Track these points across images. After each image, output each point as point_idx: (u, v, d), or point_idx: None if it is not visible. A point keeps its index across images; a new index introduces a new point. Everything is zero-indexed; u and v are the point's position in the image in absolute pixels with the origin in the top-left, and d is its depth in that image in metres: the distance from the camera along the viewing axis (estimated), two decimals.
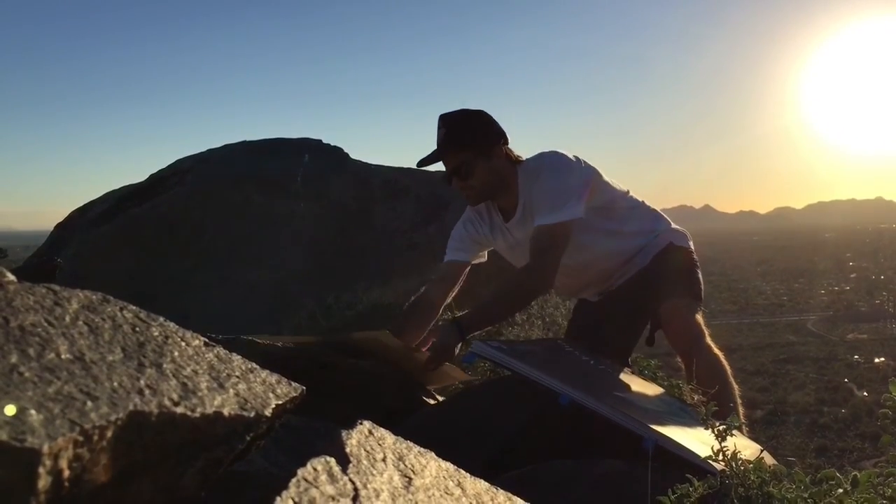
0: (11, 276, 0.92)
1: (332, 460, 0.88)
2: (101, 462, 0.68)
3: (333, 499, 0.81)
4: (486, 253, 2.92)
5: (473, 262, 2.88)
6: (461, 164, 2.59)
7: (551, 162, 2.61)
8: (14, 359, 0.71)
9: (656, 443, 1.77)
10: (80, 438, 0.64)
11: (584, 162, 2.63)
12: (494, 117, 2.67)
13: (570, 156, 2.61)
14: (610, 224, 2.70)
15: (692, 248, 2.86)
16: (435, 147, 2.61)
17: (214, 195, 10.54)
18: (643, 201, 2.84)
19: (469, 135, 2.60)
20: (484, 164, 2.60)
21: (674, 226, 2.87)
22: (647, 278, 2.72)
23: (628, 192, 2.82)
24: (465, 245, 2.85)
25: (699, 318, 2.65)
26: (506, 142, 2.67)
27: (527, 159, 2.69)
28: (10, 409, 0.62)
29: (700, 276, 2.83)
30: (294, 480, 0.80)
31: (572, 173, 2.58)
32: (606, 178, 2.70)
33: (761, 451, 2.00)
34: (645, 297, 2.68)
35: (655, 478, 1.54)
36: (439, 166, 2.73)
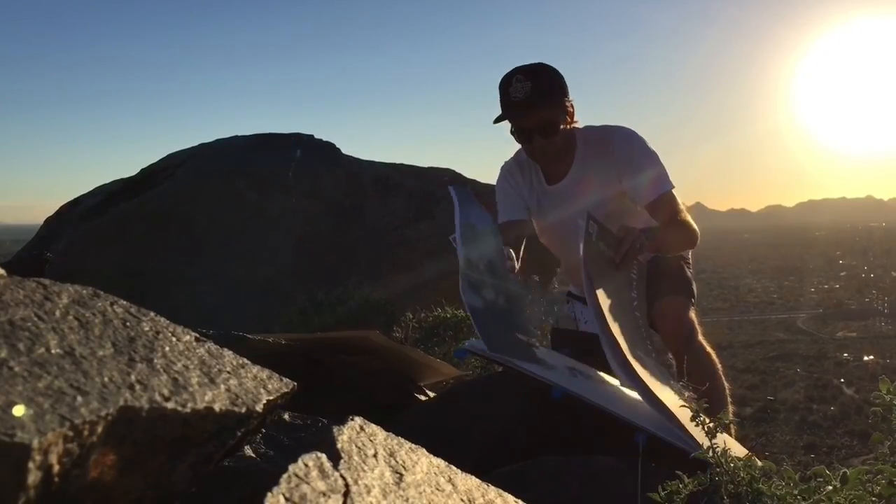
0: (1, 271, 0.91)
1: (324, 456, 0.88)
2: (92, 457, 0.68)
3: (324, 494, 0.81)
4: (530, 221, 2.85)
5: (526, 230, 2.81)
6: (547, 122, 2.52)
7: (635, 137, 2.61)
8: (4, 353, 0.71)
9: (649, 436, 1.77)
10: (71, 434, 0.64)
11: None
12: None
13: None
14: (626, 215, 2.69)
15: (689, 255, 2.86)
16: (504, 100, 2.52)
17: (206, 190, 10.51)
18: None
19: (558, 91, 2.54)
20: (566, 121, 2.57)
21: None
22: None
23: None
24: (517, 203, 2.79)
25: (692, 315, 2.66)
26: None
27: (587, 127, 2.67)
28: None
29: (692, 278, 2.84)
30: (285, 476, 0.80)
31: (650, 148, 2.60)
32: None
33: (751, 448, 2.01)
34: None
35: (646, 474, 1.54)
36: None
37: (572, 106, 2.61)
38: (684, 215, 2.57)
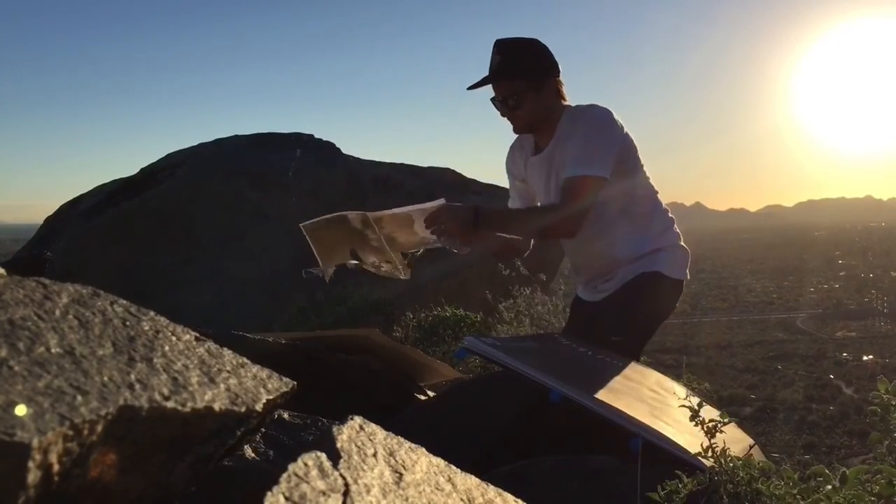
0: (1, 270, 0.91)
1: (323, 455, 0.88)
2: (91, 456, 0.68)
3: (324, 494, 0.81)
4: None
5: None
6: (511, 95, 2.57)
7: (595, 114, 2.57)
8: (4, 353, 0.71)
9: (644, 441, 1.77)
10: (70, 433, 0.64)
11: (626, 132, 2.60)
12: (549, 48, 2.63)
13: (618, 119, 2.57)
14: (617, 211, 2.66)
15: (683, 276, 2.77)
16: (487, 72, 2.57)
17: (206, 189, 10.51)
18: (666, 209, 2.80)
19: (523, 66, 2.57)
20: (534, 96, 2.57)
21: (681, 242, 2.80)
22: (615, 302, 2.71)
23: (657, 193, 2.78)
24: (516, 189, 2.88)
25: None
26: (558, 74, 2.64)
27: (576, 105, 2.65)
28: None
29: (656, 328, 2.79)
30: (285, 475, 0.80)
31: (612, 132, 2.55)
32: (643, 161, 2.67)
33: (752, 445, 2.01)
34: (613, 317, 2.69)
35: (645, 474, 1.54)
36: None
37: (554, 83, 2.61)
38: (574, 205, 2.50)
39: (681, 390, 2.42)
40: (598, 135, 2.53)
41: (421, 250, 2.61)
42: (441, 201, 2.43)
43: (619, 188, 2.64)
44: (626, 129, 2.59)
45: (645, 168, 2.70)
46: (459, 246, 2.45)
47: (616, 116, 2.57)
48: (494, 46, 2.56)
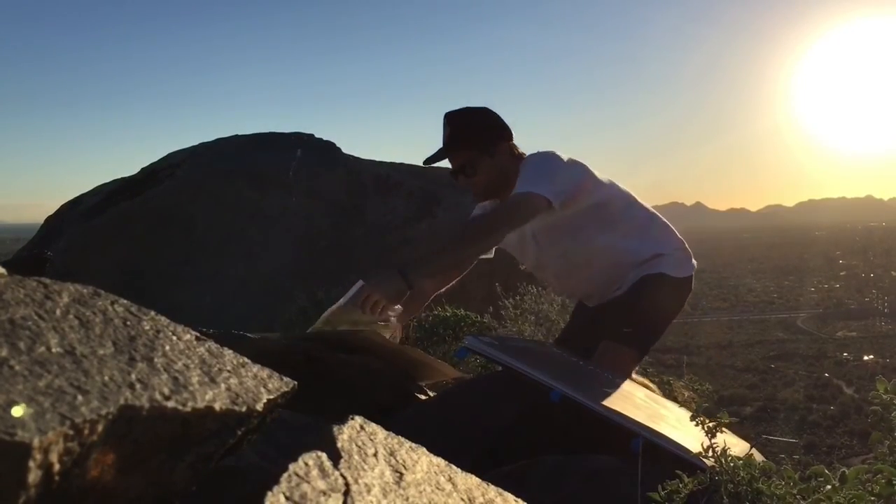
0: (2, 269, 0.91)
1: (324, 455, 0.88)
2: (92, 456, 0.68)
3: (324, 494, 0.81)
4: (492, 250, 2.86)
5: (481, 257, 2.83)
6: (466, 163, 2.65)
7: (536, 154, 2.63)
8: (4, 352, 0.71)
9: (645, 440, 1.77)
10: (71, 432, 0.64)
11: (577, 162, 2.62)
12: (499, 114, 2.71)
13: (563, 156, 2.61)
14: (604, 222, 2.67)
15: (688, 276, 2.78)
16: (441, 145, 2.66)
17: (206, 189, 10.51)
18: (656, 214, 2.80)
19: (473, 134, 2.64)
20: (488, 161, 2.64)
21: (684, 247, 2.80)
22: (620, 302, 2.72)
23: (636, 200, 2.77)
24: None
25: (632, 372, 2.66)
26: (510, 137, 2.70)
27: (528, 155, 2.70)
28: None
29: (664, 325, 2.78)
30: (285, 475, 0.80)
31: (556, 162, 2.58)
32: (604, 178, 2.68)
33: (751, 447, 2.01)
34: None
35: (645, 474, 1.54)
36: (442, 162, 2.75)
37: (507, 146, 2.68)
38: (504, 211, 2.53)
39: (672, 404, 2.44)
40: (542, 165, 2.58)
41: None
42: (360, 283, 2.46)
43: (614, 193, 2.70)
44: (578, 160, 2.64)
45: (621, 186, 2.75)
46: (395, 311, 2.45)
47: (562, 155, 2.62)
48: (444, 119, 2.64)
